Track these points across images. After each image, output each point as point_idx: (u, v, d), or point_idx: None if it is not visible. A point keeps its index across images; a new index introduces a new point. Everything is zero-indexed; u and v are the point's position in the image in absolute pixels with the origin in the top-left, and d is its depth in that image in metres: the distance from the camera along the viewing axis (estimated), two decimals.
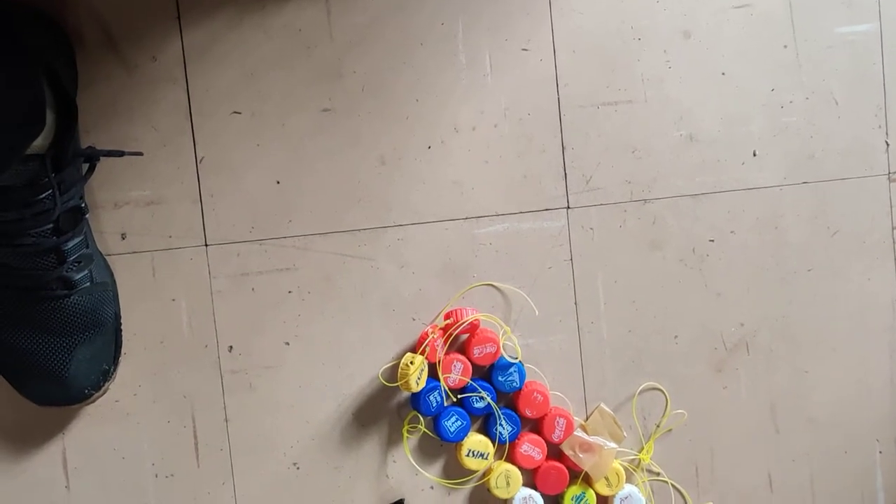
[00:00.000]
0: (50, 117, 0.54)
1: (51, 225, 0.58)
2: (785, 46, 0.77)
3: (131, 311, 0.69)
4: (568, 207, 0.75)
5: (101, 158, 0.62)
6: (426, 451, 0.74)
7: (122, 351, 0.69)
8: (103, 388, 0.67)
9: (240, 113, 0.70)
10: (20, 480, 0.69)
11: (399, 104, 0.72)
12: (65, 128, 0.57)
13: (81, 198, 0.61)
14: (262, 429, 0.71)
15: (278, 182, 0.71)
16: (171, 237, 0.69)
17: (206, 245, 0.70)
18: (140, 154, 0.66)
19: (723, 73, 0.76)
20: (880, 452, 0.80)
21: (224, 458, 0.71)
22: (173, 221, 0.69)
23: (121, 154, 0.61)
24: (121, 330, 0.68)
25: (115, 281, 0.68)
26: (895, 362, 0.79)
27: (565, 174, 0.75)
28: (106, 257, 0.68)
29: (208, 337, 0.70)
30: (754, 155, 0.77)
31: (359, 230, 0.72)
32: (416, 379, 0.69)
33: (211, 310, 0.70)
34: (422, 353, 0.70)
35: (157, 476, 0.70)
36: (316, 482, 0.72)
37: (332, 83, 0.71)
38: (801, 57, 0.77)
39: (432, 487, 0.74)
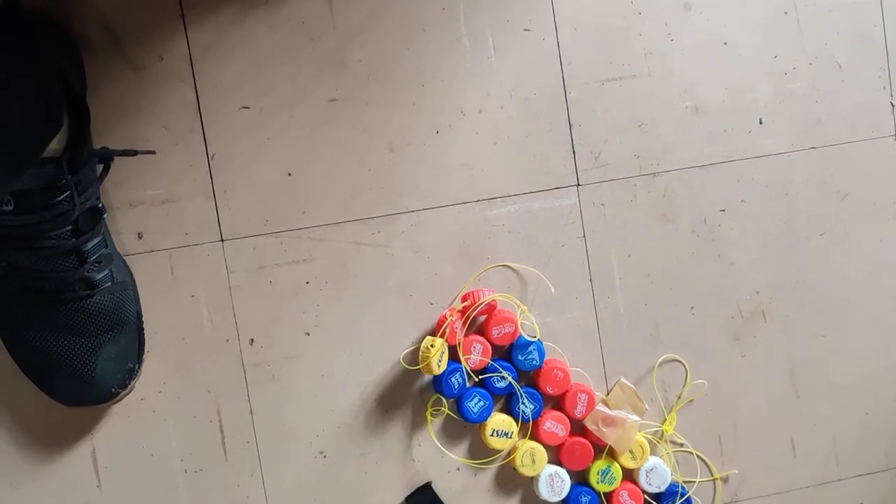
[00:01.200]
0: (64, 119, 0.55)
1: (70, 226, 0.59)
2: (786, 13, 0.77)
3: (152, 310, 0.70)
4: (578, 185, 0.75)
5: (115, 159, 0.63)
6: (450, 433, 0.74)
7: (146, 349, 0.69)
8: (129, 387, 0.68)
9: (248, 107, 0.70)
10: (53, 481, 0.70)
11: (405, 90, 0.73)
12: (78, 130, 0.57)
13: (98, 198, 0.61)
14: (287, 419, 0.72)
15: (289, 174, 0.71)
16: (187, 234, 0.70)
17: (223, 240, 0.71)
18: (153, 153, 0.67)
19: (725, 43, 0.76)
20: None
21: (251, 450, 0.72)
22: (188, 218, 0.70)
23: (134, 153, 0.62)
24: (143, 328, 0.69)
25: (134, 280, 0.68)
26: None
27: (574, 152, 0.75)
28: (124, 258, 0.69)
29: (229, 331, 0.71)
30: (760, 123, 0.77)
31: (372, 218, 0.72)
32: (438, 362, 0.70)
33: (230, 304, 0.71)
34: (441, 336, 0.71)
35: (186, 471, 0.71)
36: (343, 469, 0.73)
37: (338, 73, 0.72)
38: (803, 23, 0.77)
39: (458, 469, 0.74)
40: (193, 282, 0.70)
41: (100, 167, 0.62)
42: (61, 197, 0.57)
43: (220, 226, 0.71)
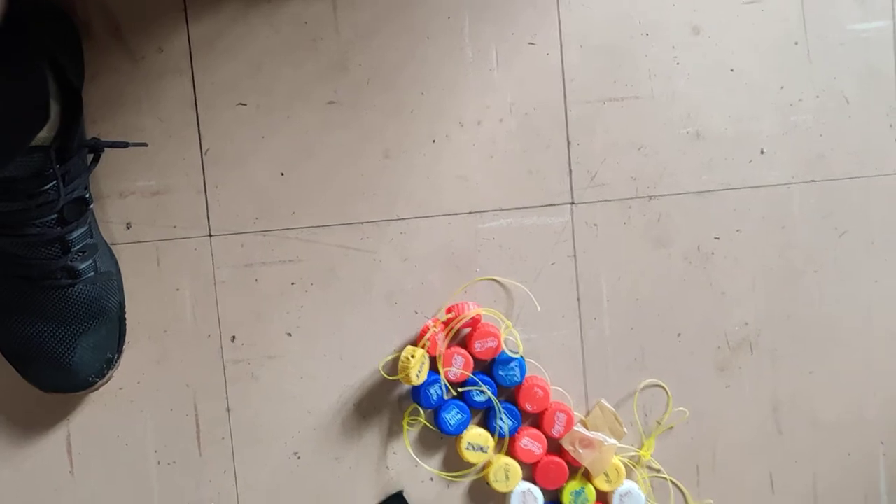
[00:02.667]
0: (55, 109, 0.55)
1: (55, 215, 0.59)
2: (796, 43, 0.76)
3: (136, 300, 0.70)
4: (572, 203, 0.75)
5: (107, 149, 0.63)
6: (426, 444, 0.74)
7: (126, 339, 0.70)
8: (107, 376, 0.68)
9: (245, 105, 0.70)
10: (26, 465, 0.70)
11: (404, 98, 0.72)
12: (70, 119, 0.57)
13: (86, 188, 0.61)
14: (264, 418, 0.72)
15: (283, 174, 0.71)
16: (175, 227, 0.70)
17: (211, 235, 0.71)
18: (145, 145, 0.67)
19: (731, 70, 0.75)
20: (884, 455, 0.79)
21: (226, 446, 0.72)
22: (178, 212, 0.70)
23: (125, 145, 0.62)
24: (125, 319, 0.69)
25: (119, 270, 0.68)
26: None
27: (570, 170, 0.74)
28: (111, 246, 0.69)
29: (211, 326, 0.71)
30: (762, 153, 0.76)
31: (362, 223, 0.72)
32: (417, 372, 0.69)
33: (214, 300, 0.71)
34: (423, 347, 0.70)
35: (159, 463, 0.71)
36: (317, 472, 0.73)
37: (338, 76, 0.71)
38: (812, 54, 0.76)
39: (432, 479, 0.74)
40: (179, 275, 0.70)
41: (90, 157, 0.62)
42: (47, 186, 0.57)
43: (209, 221, 0.71)
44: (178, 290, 0.70)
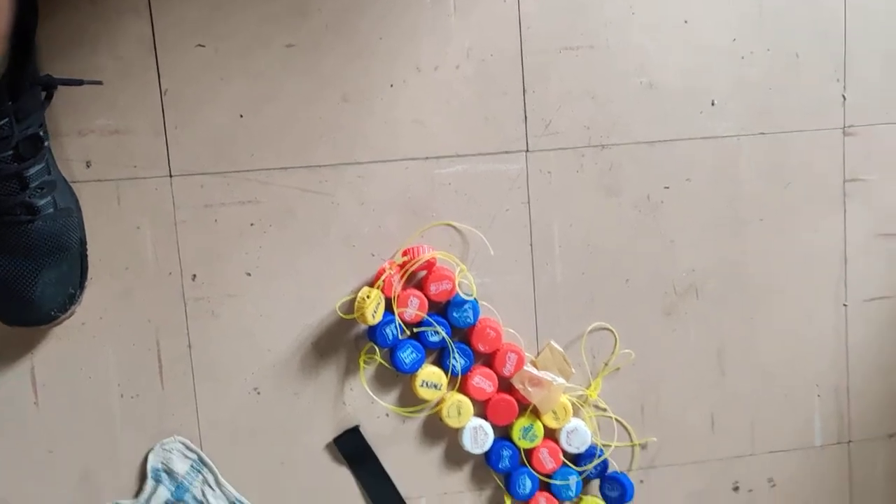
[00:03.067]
0: (5, 46, 0.55)
1: (11, 151, 0.59)
2: None
3: (97, 238, 0.71)
4: (527, 150, 0.77)
5: (66, 87, 0.63)
6: (382, 381, 0.77)
7: (88, 276, 0.71)
8: (70, 311, 0.69)
9: (204, 46, 0.71)
10: None
11: (362, 42, 0.73)
12: (21, 56, 0.58)
13: (41, 126, 0.62)
14: (224, 355, 0.74)
15: (242, 116, 0.72)
16: (135, 167, 0.71)
17: (171, 176, 0.72)
18: (100, 83, 0.68)
19: (685, 21, 0.77)
20: (819, 396, 0.83)
21: (187, 381, 0.74)
22: (138, 151, 0.71)
23: (80, 83, 0.62)
24: (86, 255, 0.70)
25: (79, 207, 0.70)
26: (839, 311, 0.82)
27: (525, 117, 0.76)
28: (71, 184, 0.70)
29: (172, 265, 0.73)
30: (713, 105, 0.78)
31: (320, 166, 0.74)
32: (373, 312, 0.72)
33: (175, 239, 0.72)
34: (378, 288, 0.73)
35: (122, 396, 0.73)
36: (275, 407, 0.75)
37: (297, 20, 0.72)
38: (766, 9, 0.78)
39: (387, 415, 0.77)
40: (139, 214, 0.72)
41: (43, 94, 0.62)
42: (0, 122, 0.58)
43: (169, 161, 0.72)
44: (138, 228, 0.72)
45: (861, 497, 0.85)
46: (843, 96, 0.79)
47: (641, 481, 0.81)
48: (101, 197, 0.71)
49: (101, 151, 0.71)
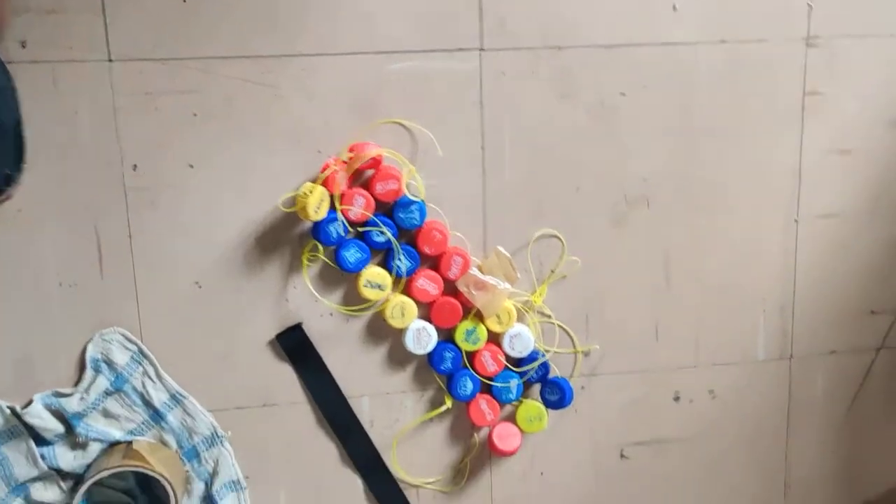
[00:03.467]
0: None
1: None
2: None
3: (33, 121, 0.69)
4: (481, 49, 0.75)
5: None
6: (326, 280, 0.77)
7: (25, 160, 0.69)
8: (5, 194, 0.68)
9: None
10: None
11: None
12: None
13: None
14: (166, 247, 0.73)
15: (184, 1, 0.69)
16: (72, 48, 0.69)
17: (110, 60, 0.70)
18: None
19: None
20: (764, 311, 0.84)
21: (128, 272, 0.73)
22: (75, 33, 0.69)
23: None
24: (23, 137, 0.68)
25: (15, 87, 0.67)
26: (789, 227, 0.82)
27: (481, 14, 0.74)
28: (6, 65, 0.68)
29: (112, 153, 0.71)
30: (674, 9, 0.76)
31: (264, 56, 0.71)
32: (315, 208, 0.71)
33: (114, 126, 0.71)
34: (322, 184, 0.71)
35: (61, 284, 0.73)
36: (217, 301, 0.75)
37: None
38: None
39: (331, 314, 0.77)
40: (76, 98, 0.70)
41: None
42: None
43: (108, 45, 0.69)
44: (76, 113, 0.70)
45: (799, 411, 0.87)
46: (809, 5, 0.77)
47: (583, 387, 0.82)
48: (37, 79, 0.69)
49: (36, 32, 0.68)
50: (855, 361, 0.87)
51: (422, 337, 0.77)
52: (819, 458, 0.88)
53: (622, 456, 0.84)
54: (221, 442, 0.77)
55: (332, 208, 0.73)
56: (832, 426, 0.88)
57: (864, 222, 0.83)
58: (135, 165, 0.72)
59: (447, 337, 0.79)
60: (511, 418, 0.80)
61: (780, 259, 0.83)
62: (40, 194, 0.71)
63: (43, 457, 0.73)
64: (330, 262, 0.75)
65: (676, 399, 0.84)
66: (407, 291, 0.77)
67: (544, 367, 0.80)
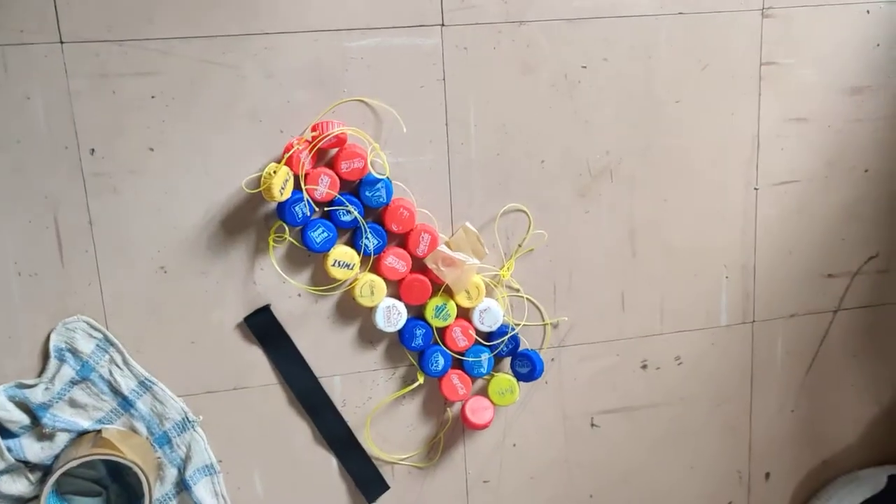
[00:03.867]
0: None
1: None
2: None
3: None
4: (443, 25, 0.74)
5: None
6: (293, 261, 0.76)
7: None
8: None
9: None
10: None
11: None
12: None
13: None
14: (128, 233, 0.72)
15: None
16: (22, 31, 0.67)
17: (62, 42, 0.68)
18: None
19: None
20: (727, 277, 0.85)
21: (90, 259, 0.72)
22: (24, 15, 0.66)
23: None
24: None
25: None
26: (749, 194, 0.84)
27: None
28: None
29: (68, 138, 0.69)
30: None
31: (223, 36, 0.70)
32: (280, 188, 0.70)
33: (70, 111, 0.69)
34: (286, 164, 0.71)
35: (20, 274, 0.71)
36: (183, 286, 0.74)
37: None
38: None
39: (299, 295, 0.77)
40: (29, 83, 0.68)
41: None
42: None
43: (59, 26, 0.67)
44: (28, 98, 0.68)
45: (761, 374, 0.89)
46: None
47: (552, 359, 0.83)
48: None
49: None
50: (813, 324, 0.89)
51: (392, 314, 0.77)
52: (781, 418, 0.91)
53: (592, 425, 0.86)
54: (193, 427, 0.76)
55: (297, 188, 0.72)
56: (793, 387, 0.90)
57: (820, 188, 0.85)
58: (92, 150, 0.70)
59: (417, 314, 0.79)
60: (483, 392, 0.81)
61: (741, 226, 0.84)
62: None
63: (9, 449, 0.71)
64: (297, 243, 0.75)
65: (644, 367, 0.86)
66: (375, 270, 0.76)
67: (514, 340, 0.80)
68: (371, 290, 0.76)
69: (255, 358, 0.77)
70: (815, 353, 0.90)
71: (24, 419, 0.72)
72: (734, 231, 0.84)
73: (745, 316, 0.87)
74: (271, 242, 0.75)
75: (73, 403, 0.73)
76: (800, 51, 0.81)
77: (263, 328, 0.76)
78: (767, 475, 0.92)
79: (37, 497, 0.72)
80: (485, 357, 0.80)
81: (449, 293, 0.78)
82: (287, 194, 0.71)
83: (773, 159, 0.83)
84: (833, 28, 0.81)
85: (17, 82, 0.67)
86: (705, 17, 0.78)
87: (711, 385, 0.88)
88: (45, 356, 0.72)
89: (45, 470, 0.73)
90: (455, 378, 0.80)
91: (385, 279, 0.76)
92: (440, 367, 0.79)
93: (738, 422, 0.90)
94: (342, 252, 0.74)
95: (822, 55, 0.82)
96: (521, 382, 0.81)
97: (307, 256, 0.76)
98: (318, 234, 0.74)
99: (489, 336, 0.80)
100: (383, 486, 0.82)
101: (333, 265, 0.74)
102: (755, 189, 0.84)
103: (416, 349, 0.79)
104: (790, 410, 0.91)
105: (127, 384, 0.74)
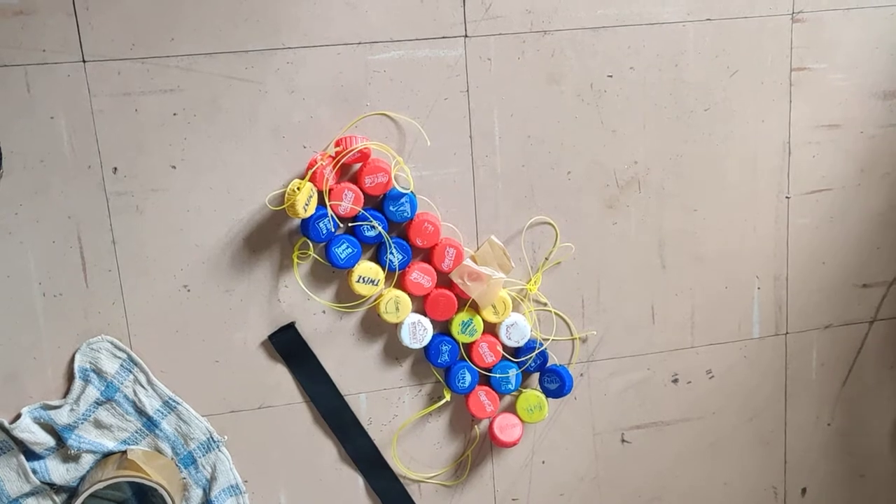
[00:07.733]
0: None
1: None
2: None
3: (8, 129, 0.67)
4: (466, 36, 0.73)
5: None
6: (318, 278, 0.75)
7: (2, 169, 0.67)
8: None
9: None
10: None
11: None
12: None
13: None
14: (151, 251, 0.72)
15: None
16: (45, 51, 0.66)
17: (85, 61, 0.67)
18: None
19: None
20: (759, 289, 0.83)
21: (113, 278, 0.71)
22: (47, 35, 0.66)
23: None
24: None
25: None
26: (780, 203, 0.82)
27: (464, 0, 0.72)
28: None
29: (91, 157, 0.69)
30: None
31: (246, 51, 0.70)
32: (304, 205, 0.69)
33: (93, 129, 0.68)
34: (310, 180, 0.70)
35: (45, 295, 0.70)
36: (207, 304, 0.73)
37: None
38: None
39: (324, 312, 0.76)
40: (52, 103, 0.67)
41: None
42: None
43: (81, 46, 0.67)
44: (52, 118, 0.68)
45: (796, 387, 0.87)
46: None
47: (581, 374, 0.82)
48: (10, 85, 0.66)
49: (5, 34, 0.66)
50: (849, 335, 0.87)
51: (417, 331, 0.76)
52: (816, 432, 0.88)
53: (623, 441, 0.84)
54: (218, 447, 0.75)
55: (321, 204, 0.71)
56: (828, 400, 0.88)
57: (853, 196, 0.83)
58: (115, 168, 0.70)
59: (443, 329, 0.78)
60: (511, 409, 0.80)
61: (773, 236, 0.82)
62: (18, 204, 0.69)
63: (35, 471, 0.71)
64: (321, 259, 0.74)
65: (675, 381, 0.84)
66: (400, 285, 0.75)
67: (542, 355, 0.79)
68: (396, 305, 0.75)
69: (280, 376, 0.76)
70: (851, 365, 0.88)
71: (50, 441, 0.71)
72: (766, 241, 0.82)
73: (777, 328, 0.85)
74: (295, 259, 0.74)
75: (98, 424, 0.73)
76: (830, 55, 0.79)
77: (288, 346, 0.75)
78: (804, 491, 0.90)
79: None
80: (512, 373, 0.78)
81: (475, 308, 0.77)
82: (311, 210, 0.70)
83: (805, 167, 0.81)
84: (864, 31, 0.79)
85: (41, 102, 0.67)
86: (733, 23, 0.77)
87: (744, 399, 0.86)
88: (70, 377, 0.72)
89: (70, 492, 0.73)
90: (482, 395, 0.78)
91: (410, 295, 0.75)
92: (467, 384, 0.78)
93: (772, 436, 0.87)
94: (367, 268, 0.73)
95: (853, 59, 0.80)
96: (549, 399, 0.80)
97: (331, 273, 0.75)
98: (342, 250, 0.73)
99: (517, 351, 0.79)
100: None
101: (358, 281, 0.73)
102: (787, 198, 0.82)
103: (443, 365, 0.77)
104: (826, 424, 0.88)
105: (151, 404, 0.73)
